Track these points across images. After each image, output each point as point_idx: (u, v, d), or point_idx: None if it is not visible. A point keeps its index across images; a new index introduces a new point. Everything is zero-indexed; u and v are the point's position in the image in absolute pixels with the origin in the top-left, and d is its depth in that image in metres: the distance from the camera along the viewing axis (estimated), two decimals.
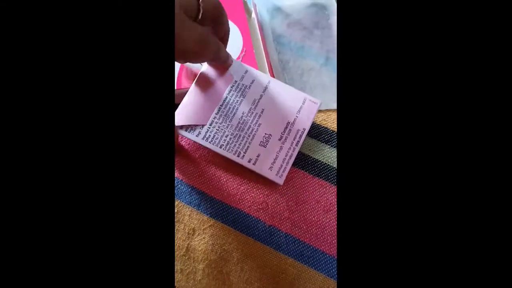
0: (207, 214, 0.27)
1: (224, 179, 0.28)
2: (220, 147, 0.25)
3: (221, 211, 0.27)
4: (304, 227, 0.26)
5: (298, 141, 0.26)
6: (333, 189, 0.28)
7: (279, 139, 0.26)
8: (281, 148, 0.26)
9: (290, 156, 0.26)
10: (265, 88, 0.27)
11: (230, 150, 0.25)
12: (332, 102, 0.32)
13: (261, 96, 0.27)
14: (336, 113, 0.31)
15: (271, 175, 0.25)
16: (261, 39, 0.35)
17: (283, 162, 0.25)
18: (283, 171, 0.25)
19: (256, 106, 0.27)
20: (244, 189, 0.27)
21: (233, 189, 0.27)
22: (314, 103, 0.27)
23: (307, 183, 0.28)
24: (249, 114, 0.26)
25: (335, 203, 0.27)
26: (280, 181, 0.25)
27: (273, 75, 0.33)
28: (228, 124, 0.26)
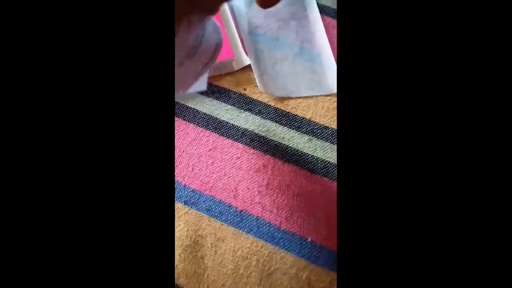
0: (182, 202, 0.28)
1: (197, 169, 0.29)
2: None
3: (194, 199, 0.28)
4: (275, 210, 0.27)
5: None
6: (304, 173, 0.29)
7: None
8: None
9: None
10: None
11: None
12: (303, 90, 0.33)
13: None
14: (306, 101, 0.32)
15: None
16: (234, 24, 0.36)
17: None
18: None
19: None
20: (216, 177, 0.28)
21: (206, 177, 0.29)
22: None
23: (278, 169, 0.29)
24: None
25: (305, 186, 0.28)
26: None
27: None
28: None
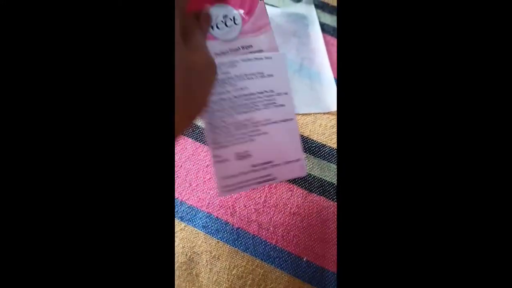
0: (178, 218, 0.28)
1: (194, 185, 0.29)
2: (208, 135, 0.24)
3: (191, 215, 0.28)
4: (271, 228, 0.27)
5: (261, 181, 0.24)
6: (300, 191, 0.29)
7: (253, 166, 0.24)
8: (246, 173, 0.24)
9: (246, 185, 0.24)
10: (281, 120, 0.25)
11: (213, 140, 0.24)
12: (302, 107, 0.33)
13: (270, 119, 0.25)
14: (304, 118, 0.32)
15: (219, 182, 0.24)
16: None
17: (237, 184, 0.24)
18: (231, 190, 0.24)
19: (263, 124, 0.25)
20: (213, 193, 0.28)
21: (203, 193, 0.28)
22: (300, 168, 0.25)
23: (275, 186, 0.29)
24: (251, 125, 0.24)
25: (302, 205, 0.28)
26: (223, 193, 0.24)
27: None
28: (233, 119, 0.24)
